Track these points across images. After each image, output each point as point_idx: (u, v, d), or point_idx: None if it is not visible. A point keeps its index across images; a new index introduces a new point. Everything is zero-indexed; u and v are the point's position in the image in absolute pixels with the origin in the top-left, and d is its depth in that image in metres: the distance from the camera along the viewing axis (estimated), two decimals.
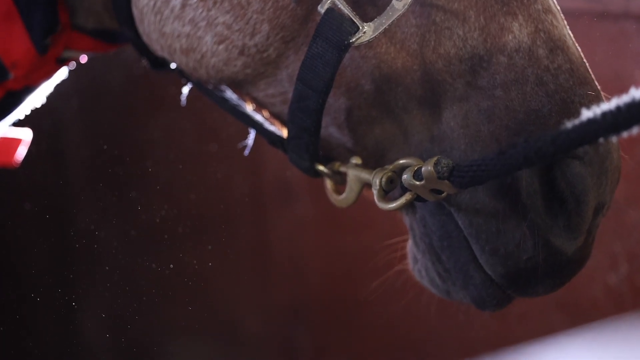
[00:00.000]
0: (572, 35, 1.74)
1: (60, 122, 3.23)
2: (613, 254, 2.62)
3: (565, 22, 1.75)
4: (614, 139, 1.64)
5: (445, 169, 1.59)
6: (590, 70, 1.70)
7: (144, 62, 2.10)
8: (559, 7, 1.76)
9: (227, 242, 3.37)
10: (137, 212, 3.20)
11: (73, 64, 2.18)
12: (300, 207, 3.20)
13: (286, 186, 3.19)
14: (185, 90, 2.18)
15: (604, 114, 1.36)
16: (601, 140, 1.39)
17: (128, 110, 3.29)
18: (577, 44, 1.73)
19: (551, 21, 1.69)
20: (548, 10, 1.70)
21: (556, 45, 1.67)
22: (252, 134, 2.12)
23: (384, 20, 1.67)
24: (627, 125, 1.34)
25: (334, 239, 3.23)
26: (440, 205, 1.75)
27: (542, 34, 1.67)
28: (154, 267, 3.24)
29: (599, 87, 1.70)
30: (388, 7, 1.67)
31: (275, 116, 1.95)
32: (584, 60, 1.71)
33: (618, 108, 1.34)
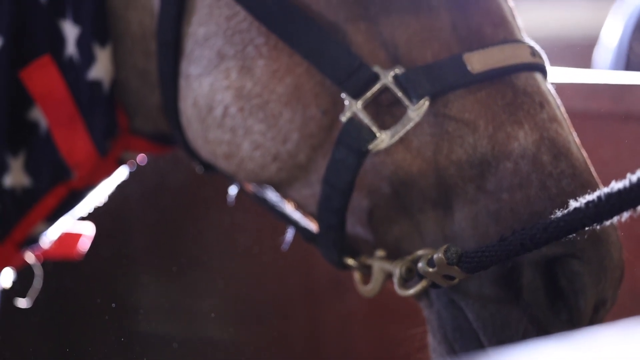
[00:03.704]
0: (577, 141, 1.86)
1: (123, 217, 3.38)
2: None
3: (572, 129, 1.87)
4: (613, 232, 1.77)
5: (454, 255, 1.73)
6: (594, 174, 1.82)
7: (194, 164, 2.27)
8: (565, 116, 1.89)
9: (280, 332, 3.46)
10: (194, 303, 3.32)
11: (133, 164, 2.33)
12: (350, 298, 3.28)
13: (337, 278, 3.28)
14: (232, 190, 2.34)
15: (587, 203, 1.53)
16: (586, 228, 1.55)
17: (187, 206, 3.44)
18: (582, 149, 1.85)
19: (556, 129, 1.82)
20: (553, 119, 1.83)
21: (560, 152, 1.79)
22: (290, 231, 2.27)
23: (399, 129, 1.83)
24: (608, 214, 1.51)
25: (382, 329, 3.29)
26: (452, 300, 1.87)
27: (546, 142, 1.79)
28: (211, 355, 3.36)
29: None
30: (404, 117, 1.83)
31: (311, 215, 2.09)
32: (588, 164, 1.83)
33: (599, 198, 1.50)
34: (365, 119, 1.84)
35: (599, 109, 2.58)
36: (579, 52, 5.14)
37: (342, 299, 3.33)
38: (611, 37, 4.00)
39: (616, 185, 1.48)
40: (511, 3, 1.97)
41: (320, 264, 3.30)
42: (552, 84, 1.98)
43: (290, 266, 3.31)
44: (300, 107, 1.90)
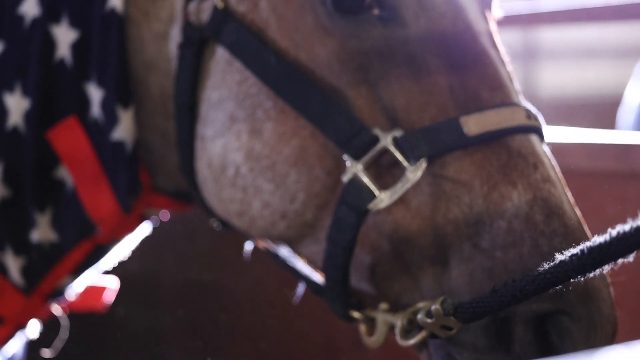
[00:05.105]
0: (572, 200, 1.92)
1: (153, 273, 3.47)
2: None
3: (566, 189, 1.93)
4: (604, 288, 1.83)
5: (450, 306, 1.81)
6: (587, 232, 1.88)
7: (211, 222, 2.35)
8: (560, 176, 1.95)
9: None
10: (222, 356, 3.39)
11: (156, 220, 2.42)
12: (370, 352, 3.32)
13: (357, 332, 3.32)
14: (248, 246, 2.41)
15: (571, 256, 1.61)
16: (571, 280, 1.64)
17: (211, 263, 3.52)
18: (575, 209, 1.91)
19: (549, 189, 1.88)
20: (547, 179, 1.89)
21: (552, 211, 1.86)
22: (301, 285, 2.34)
23: (398, 189, 1.91)
24: (591, 266, 1.59)
25: None
26: (450, 355, 1.94)
27: (539, 201, 1.86)
28: None
29: None
30: (402, 177, 1.91)
31: (320, 270, 2.16)
32: (581, 223, 1.89)
33: (582, 251, 1.59)
34: (365, 179, 1.92)
35: (604, 168, 2.64)
36: (603, 112, 5.18)
37: (363, 354, 3.37)
38: (634, 97, 4.06)
39: (598, 239, 1.56)
40: (509, 67, 2.05)
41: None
42: (556, 144, 2.04)
43: (311, 321, 3.36)
44: (305, 168, 1.99)
